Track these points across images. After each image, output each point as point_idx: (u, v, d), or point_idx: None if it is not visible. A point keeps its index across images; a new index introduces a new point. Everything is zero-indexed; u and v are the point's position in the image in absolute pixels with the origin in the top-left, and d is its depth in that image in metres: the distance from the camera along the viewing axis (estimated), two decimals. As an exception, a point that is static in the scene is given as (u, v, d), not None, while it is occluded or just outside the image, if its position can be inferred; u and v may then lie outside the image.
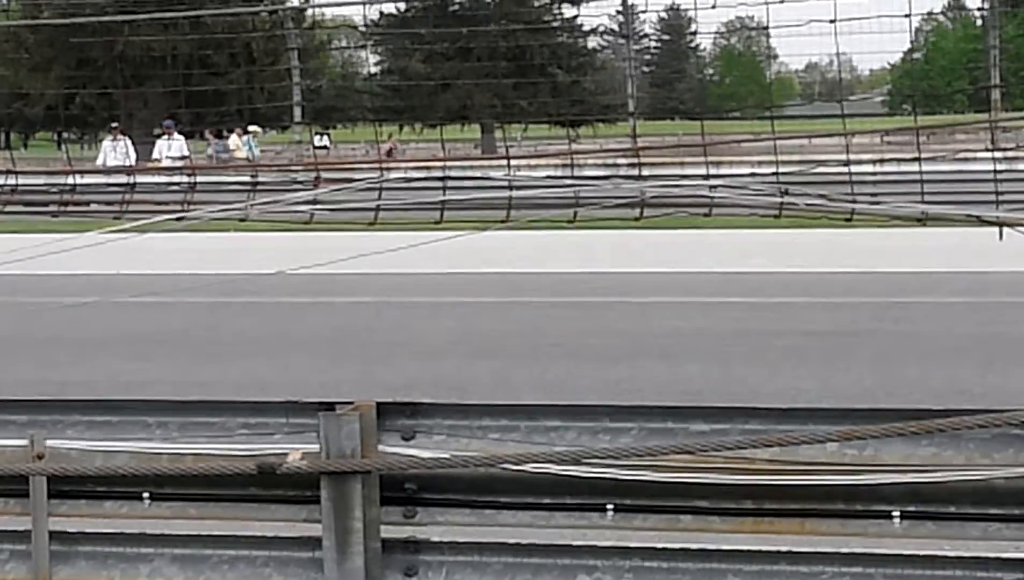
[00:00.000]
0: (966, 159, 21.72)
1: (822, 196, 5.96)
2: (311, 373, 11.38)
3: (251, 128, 38.33)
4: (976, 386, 10.28)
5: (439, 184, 7.70)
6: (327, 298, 14.78)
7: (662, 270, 16.92)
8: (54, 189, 17.45)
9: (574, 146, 35.46)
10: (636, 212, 6.54)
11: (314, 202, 6.35)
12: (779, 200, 6.04)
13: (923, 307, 14.24)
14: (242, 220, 6.16)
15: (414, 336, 13.04)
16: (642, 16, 75.24)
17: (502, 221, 6.69)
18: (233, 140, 36.41)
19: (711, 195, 6.04)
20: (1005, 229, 6.02)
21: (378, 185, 6.66)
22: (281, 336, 13.20)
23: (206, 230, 15.04)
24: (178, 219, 6.65)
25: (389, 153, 37.58)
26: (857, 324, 13.31)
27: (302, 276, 13.74)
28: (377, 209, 6.68)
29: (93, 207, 16.60)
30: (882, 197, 18.45)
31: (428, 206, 7.01)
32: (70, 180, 18.34)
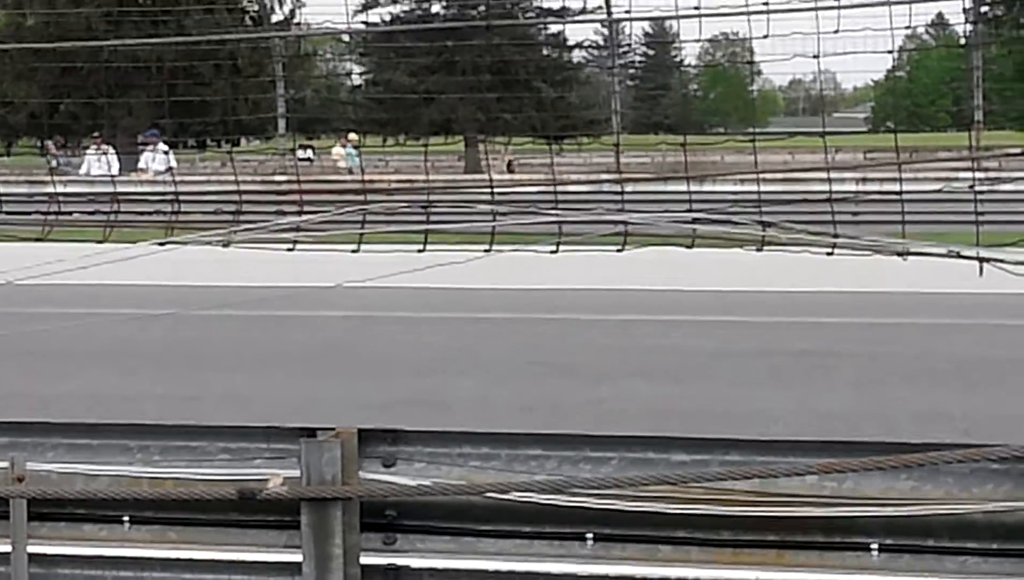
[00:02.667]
0: (948, 180, 21.84)
1: (804, 230, 5.98)
2: (292, 390, 11.39)
3: (351, 136, 37.51)
4: (956, 409, 10.32)
5: (422, 210, 7.72)
6: (312, 313, 14.81)
7: (644, 288, 16.95)
8: (39, 198, 17.44)
9: (558, 165, 35.44)
10: (619, 240, 6.57)
11: (297, 229, 6.38)
12: (761, 233, 6.06)
13: (905, 328, 14.29)
14: (225, 245, 6.17)
15: (395, 353, 13.06)
16: (626, 31, 75.45)
17: (486, 249, 6.71)
18: (336, 150, 36.01)
19: (693, 226, 6.08)
20: (985, 265, 6.05)
21: (361, 212, 6.69)
22: (264, 351, 13.22)
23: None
24: (162, 243, 6.66)
25: (509, 166, 37.02)
26: (838, 345, 13.35)
27: (296, 291, 13.80)
28: (360, 237, 6.70)
29: (76, 217, 16.59)
30: (864, 216, 18.55)
31: (411, 231, 7.04)
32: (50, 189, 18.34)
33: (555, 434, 5.20)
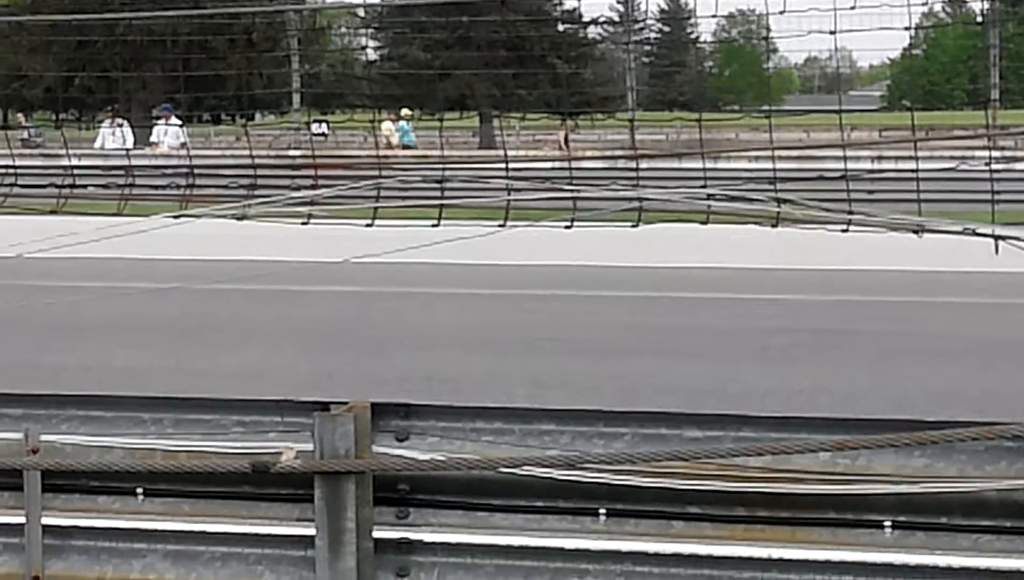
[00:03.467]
0: (964, 158, 21.77)
1: (819, 206, 5.96)
2: (304, 364, 11.39)
3: (404, 111, 36.68)
4: (972, 388, 10.29)
5: (437, 185, 7.70)
6: (325, 287, 14.81)
7: (659, 265, 16.92)
8: (54, 172, 17.43)
9: (572, 141, 35.38)
10: (634, 216, 6.55)
11: (311, 203, 6.37)
12: (776, 210, 6.05)
13: (922, 307, 14.25)
14: (239, 218, 6.17)
15: (407, 329, 13.06)
16: (642, 7, 75.31)
17: (500, 224, 6.70)
18: (387, 126, 35.19)
19: (707, 202, 6.06)
20: (1001, 243, 6.03)
21: (375, 186, 6.67)
22: (277, 325, 13.22)
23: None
24: (176, 216, 6.66)
25: (565, 140, 36.49)
26: (855, 323, 13.32)
27: (305, 265, 13.78)
28: (375, 211, 6.69)
29: (91, 190, 16.59)
30: (879, 194, 18.48)
31: (426, 206, 7.03)
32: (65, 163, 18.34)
33: (568, 410, 5.20)
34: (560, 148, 34.61)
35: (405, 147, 32.84)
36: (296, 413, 5.14)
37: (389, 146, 33.64)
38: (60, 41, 44.02)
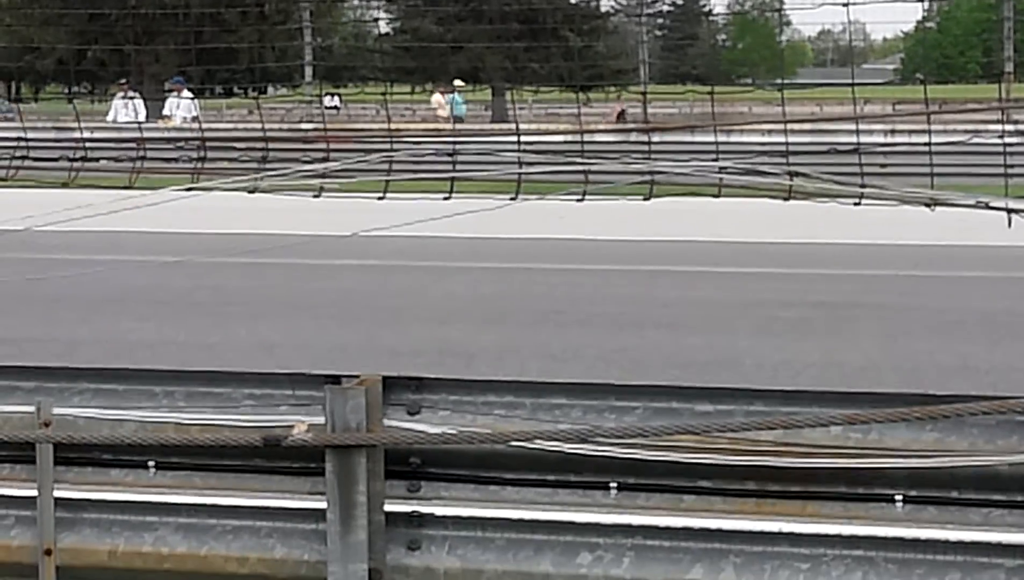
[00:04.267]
0: (977, 131, 21.71)
1: (832, 179, 5.94)
2: (315, 337, 11.41)
3: (457, 82, 35.87)
4: (983, 362, 10.28)
5: (449, 158, 7.69)
6: (337, 261, 14.82)
7: (670, 239, 16.91)
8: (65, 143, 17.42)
9: (584, 115, 35.09)
10: (645, 189, 6.54)
11: (323, 176, 6.36)
12: (788, 184, 6.03)
13: (932, 281, 14.24)
14: (251, 191, 6.17)
15: (420, 301, 13.07)
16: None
17: (511, 198, 6.69)
18: (436, 98, 34.73)
19: (720, 175, 6.04)
20: (1014, 216, 6.01)
21: (388, 159, 6.66)
22: (288, 298, 13.24)
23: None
24: (188, 189, 6.66)
25: (620, 115, 36.06)
26: (865, 296, 13.31)
27: (316, 239, 13.78)
28: (387, 184, 6.68)
29: (103, 164, 16.59)
30: (892, 168, 18.44)
31: (438, 178, 7.02)
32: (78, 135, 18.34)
33: (580, 383, 5.20)
34: (616, 122, 34.04)
35: (459, 119, 32.24)
36: (307, 386, 5.15)
37: (436, 119, 33.13)
38: (73, 14, 44.03)
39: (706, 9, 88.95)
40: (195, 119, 27.58)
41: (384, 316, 12.36)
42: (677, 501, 4.91)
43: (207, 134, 19.42)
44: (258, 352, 10.74)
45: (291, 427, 5.06)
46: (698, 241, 16.84)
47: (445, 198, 6.97)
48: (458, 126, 28.36)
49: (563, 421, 4.96)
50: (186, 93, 30.42)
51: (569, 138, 17.99)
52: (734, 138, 21.84)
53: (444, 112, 33.82)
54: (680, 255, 15.95)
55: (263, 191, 6.43)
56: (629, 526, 4.92)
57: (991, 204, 5.81)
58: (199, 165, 8.58)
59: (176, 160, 15.72)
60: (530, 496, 5.01)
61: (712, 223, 17.17)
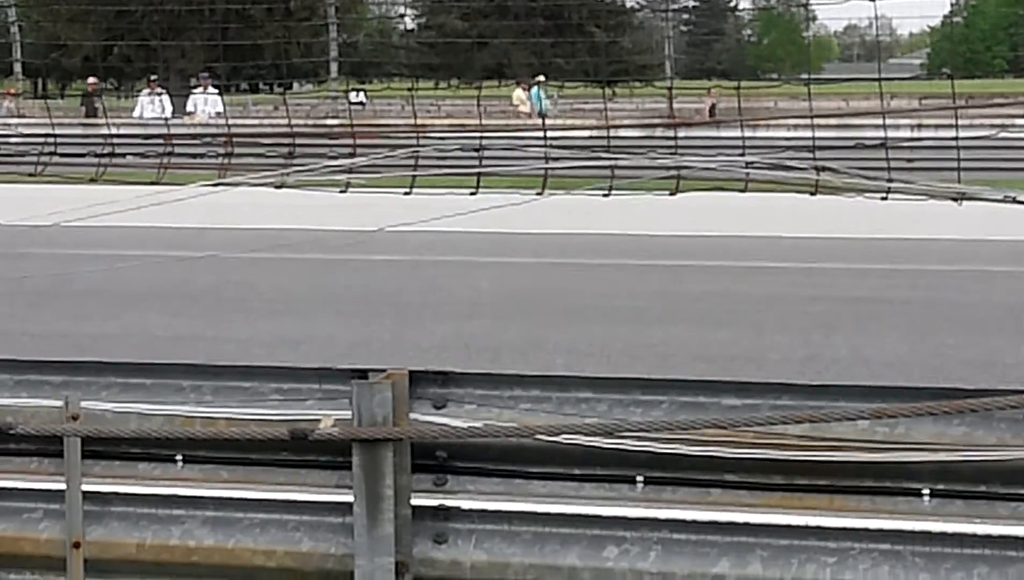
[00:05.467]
0: (1004, 126, 21.65)
1: (859, 174, 5.94)
2: (341, 332, 11.42)
3: (539, 77, 34.97)
4: (1010, 357, 10.25)
5: (475, 154, 7.70)
6: (363, 256, 14.82)
7: (696, 234, 16.89)
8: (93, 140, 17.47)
9: (610, 110, 34.93)
10: (672, 184, 6.54)
11: (349, 172, 6.37)
12: (815, 178, 6.02)
13: (960, 275, 14.19)
14: (278, 187, 6.18)
15: (446, 297, 13.07)
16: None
17: (538, 193, 6.70)
18: (517, 94, 34.32)
19: (746, 170, 6.03)
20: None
21: (414, 154, 6.66)
22: (315, 293, 13.25)
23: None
24: (215, 184, 6.68)
25: (712, 109, 35.75)
26: (892, 291, 13.28)
27: (339, 233, 13.81)
28: (413, 179, 6.69)
29: (130, 160, 16.64)
30: (919, 162, 18.38)
31: (464, 174, 7.03)
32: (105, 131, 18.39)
33: (606, 377, 5.19)
34: (709, 117, 33.54)
35: (541, 115, 31.86)
36: (334, 381, 5.15)
37: (517, 116, 32.72)
38: (99, 10, 44.13)
39: (732, 4, 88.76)
40: (219, 114, 27.64)
41: (410, 311, 12.36)
42: (704, 495, 4.90)
43: (233, 130, 19.47)
44: (285, 347, 10.76)
45: (318, 421, 5.06)
46: (725, 236, 16.81)
47: (471, 193, 6.98)
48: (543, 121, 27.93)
49: (589, 415, 4.95)
50: (212, 89, 30.48)
51: (595, 133, 17.99)
52: (760, 133, 21.80)
53: (526, 108, 33.56)
54: (706, 250, 15.92)
55: (290, 186, 6.44)
56: (656, 520, 4.92)
57: (1018, 198, 5.79)
58: (226, 161, 8.59)
59: (203, 156, 15.79)
60: (556, 490, 5.01)
61: (738, 218, 17.15)
